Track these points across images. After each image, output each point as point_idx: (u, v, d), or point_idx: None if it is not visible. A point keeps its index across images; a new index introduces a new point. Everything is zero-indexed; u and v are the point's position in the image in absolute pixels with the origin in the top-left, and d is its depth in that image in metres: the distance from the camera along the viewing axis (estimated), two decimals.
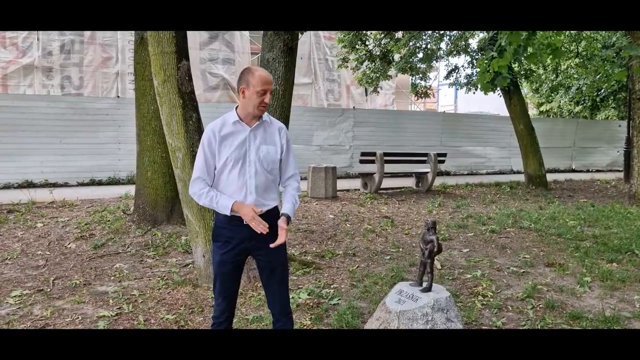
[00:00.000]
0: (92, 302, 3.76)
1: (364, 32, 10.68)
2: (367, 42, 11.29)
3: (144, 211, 5.92)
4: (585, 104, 19.43)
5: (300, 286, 4.13)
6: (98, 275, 4.41)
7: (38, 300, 3.80)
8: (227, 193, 2.32)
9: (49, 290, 4.01)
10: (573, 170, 15.71)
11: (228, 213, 2.29)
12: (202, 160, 2.34)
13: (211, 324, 2.47)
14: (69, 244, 5.32)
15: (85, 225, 5.99)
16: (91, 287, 4.09)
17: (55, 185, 9.31)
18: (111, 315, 3.50)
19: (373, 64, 11.50)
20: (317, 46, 16.05)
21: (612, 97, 18.47)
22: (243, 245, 2.37)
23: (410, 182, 10.44)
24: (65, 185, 9.48)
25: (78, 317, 3.48)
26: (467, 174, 13.86)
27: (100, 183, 9.77)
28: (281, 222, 2.31)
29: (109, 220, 6.18)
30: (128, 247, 5.21)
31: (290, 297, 2.86)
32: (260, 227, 2.22)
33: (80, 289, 4.06)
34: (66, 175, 9.56)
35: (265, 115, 2.41)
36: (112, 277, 4.35)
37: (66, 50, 12.69)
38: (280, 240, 2.29)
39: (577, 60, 12.88)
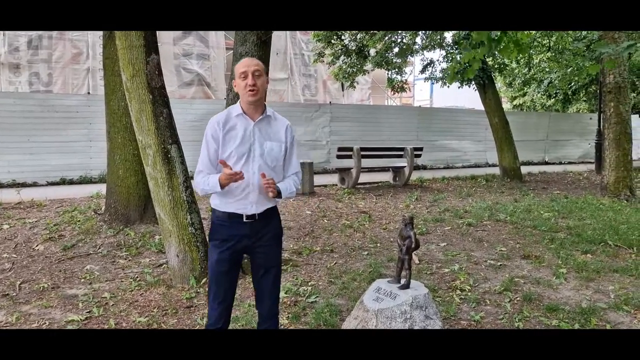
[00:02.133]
0: (61, 306, 3.62)
1: None
2: (342, 37, 11.23)
3: (115, 210, 5.76)
4: (557, 98, 19.76)
5: None
6: (67, 277, 4.26)
7: (3, 305, 3.64)
8: (229, 188, 2.24)
9: (14, 294, 3.85)
10: (546, 163, 15.98)
11: (219, 189, 2.21)
12: (205, 154, 2.28)
13: None
14: (36, 245, 5.13)
15: (54, 226, 5.80)
16: (60, 291, 3.94)
17: (23, 185, 9.01)
18: (80, 319, 3.38)
19: (349, 58, 11.46)
20: (292, 41, 15.93)
21: (583, 91, 18.81)
22: (242, 243, 2.30)
23: (387, 177, 10.44)
24: (34, 185, 9.19)
25: (45, 322, 3.34)
26: (444, 168, 13.96)
27: (71, 182, 9.51)
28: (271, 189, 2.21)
29: (79, 221, 5.99)
30: (99, 248, 5.06)
31: None
32: (237, 177, 2.14)
33: (49, 292, 3.90)
34: (35, 174, 9.27)
35: (270, 110, 2.36)
36: (82, 280, 4.20)
37: (34, 46, 12.30)
38: (268, 190, 2.20)
39: (549, 54, 13.06)
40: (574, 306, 3.64)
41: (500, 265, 4.65)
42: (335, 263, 4.70)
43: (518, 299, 3.80)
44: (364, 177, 10.04)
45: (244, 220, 2.25)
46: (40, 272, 4.38)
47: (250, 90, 2.22)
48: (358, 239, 5.59)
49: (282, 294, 3.78)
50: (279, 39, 15.17)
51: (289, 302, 3.67)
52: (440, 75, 12.11)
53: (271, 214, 2.34)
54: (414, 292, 2.76)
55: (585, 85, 18.02)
